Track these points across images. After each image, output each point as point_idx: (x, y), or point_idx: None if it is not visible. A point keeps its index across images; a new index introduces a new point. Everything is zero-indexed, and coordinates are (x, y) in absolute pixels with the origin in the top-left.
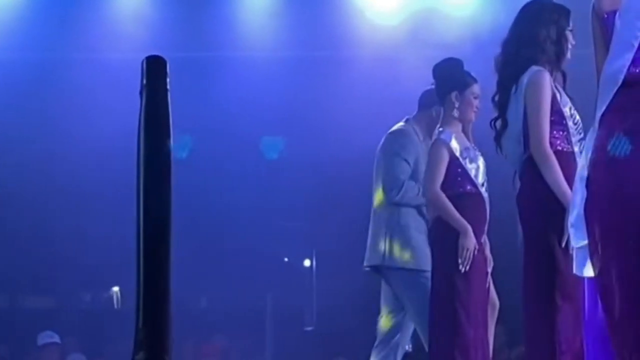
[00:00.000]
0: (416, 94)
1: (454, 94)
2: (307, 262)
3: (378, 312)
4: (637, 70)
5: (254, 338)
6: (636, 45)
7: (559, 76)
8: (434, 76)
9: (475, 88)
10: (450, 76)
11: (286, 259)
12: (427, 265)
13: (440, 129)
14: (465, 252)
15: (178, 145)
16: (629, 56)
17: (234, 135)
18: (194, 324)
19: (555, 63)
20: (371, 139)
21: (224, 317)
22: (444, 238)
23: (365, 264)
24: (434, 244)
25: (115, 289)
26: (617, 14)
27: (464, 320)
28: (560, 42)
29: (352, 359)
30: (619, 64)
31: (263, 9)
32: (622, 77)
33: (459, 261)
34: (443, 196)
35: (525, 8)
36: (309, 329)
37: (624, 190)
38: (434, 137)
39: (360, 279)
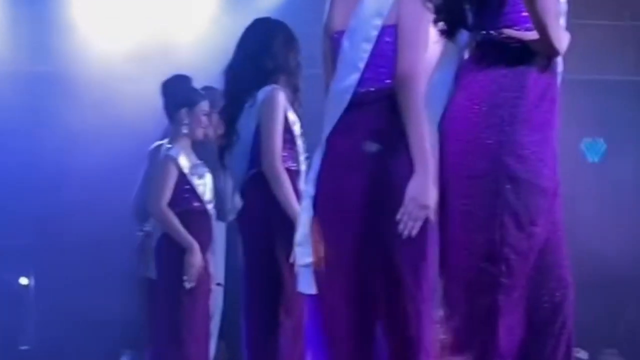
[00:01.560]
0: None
1: (183, 111)
2: (24, 281)
3: (98, 326)
4: (364, 91)
5: None
6: (362, 67)
7: (292, 96)
8: (163, 93)
9: (204, 105)
10: (179, 93)
11: (4, 277)
12: None
13: (169, 145)
14: (191, 268)
15: None
16: (355, 77)
17: None
18: None
19: (292, 83)
20: (86, 157)
21: None
22: (170, 254)
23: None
24: (160, 260)
25: None
26: (345, 34)
27: (186, 336)
28: (298, 63)
29: None
30: (345, 85)
31: None
32: (348, 97)
33: (185, 278)
34: (170, 213)
35: (260, 26)
36: (24, 348)
37: (339, 212)
38: (162, 154)
39: (80, 296)
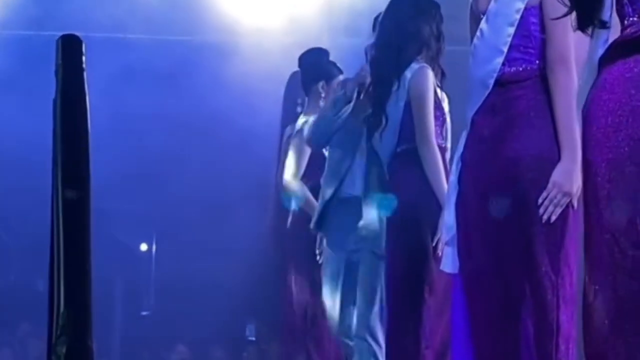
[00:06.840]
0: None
1: (320, 84)
2: (144, 246)
3: (217, 297)
4: (512, 70)
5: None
6: (505, 50)
7: (438, 72)
8: (300, 66)
9: (342, 79)
10: (316, 66)
11: (126, 242)
12: None
13: (304, 119)
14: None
15: None
16: (499, 60)
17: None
18: (31, 307)
19: (436, 59)
20: (214, 125)
21: None
22: (302, 228)
23: None
24: (292, 234)
25: None
26: (485, 18)
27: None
28: (439, 39)
29: (192, 345)
30: (488, 69)
31: None
32: (492, 81)
33: (317, 252)
34: (303, 186)
35: (400, 2)
36: (145, 313)
37: (480, 192)
38: (296, 127)
39: (200, 263)
